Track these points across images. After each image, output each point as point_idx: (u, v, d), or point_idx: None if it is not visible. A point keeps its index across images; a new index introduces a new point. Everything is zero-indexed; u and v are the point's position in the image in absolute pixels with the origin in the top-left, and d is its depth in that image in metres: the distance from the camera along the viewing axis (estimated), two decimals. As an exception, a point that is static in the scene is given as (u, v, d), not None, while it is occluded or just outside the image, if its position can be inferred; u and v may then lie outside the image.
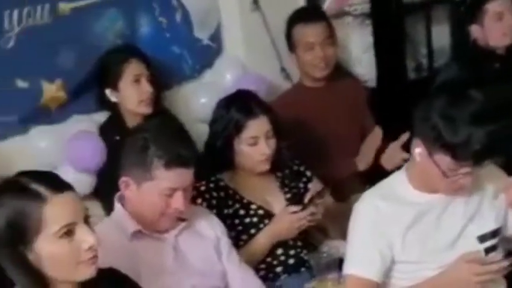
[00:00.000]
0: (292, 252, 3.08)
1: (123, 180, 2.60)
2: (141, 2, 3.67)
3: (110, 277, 2.18)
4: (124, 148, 2.66)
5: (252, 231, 3.05)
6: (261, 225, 3.05)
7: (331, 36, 3.79)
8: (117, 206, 2.66)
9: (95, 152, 3.31)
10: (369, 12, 4.42)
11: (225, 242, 2.79)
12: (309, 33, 3.73)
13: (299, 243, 3.10)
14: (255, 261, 3.00)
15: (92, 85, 3.44)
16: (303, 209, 2.98)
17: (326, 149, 3.69)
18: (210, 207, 3.01)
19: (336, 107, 3.78)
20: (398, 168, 2.75)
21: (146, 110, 3.39)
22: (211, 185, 3.09)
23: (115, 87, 3.39)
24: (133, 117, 3.39)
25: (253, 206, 3.09)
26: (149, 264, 2.53)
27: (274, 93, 3.89)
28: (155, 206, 2.57)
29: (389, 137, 3.54)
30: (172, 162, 2.53)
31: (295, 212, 2.97)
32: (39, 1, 3.29)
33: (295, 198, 3.12)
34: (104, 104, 3.45)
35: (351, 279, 2.55)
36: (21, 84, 3.26)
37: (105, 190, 3.15)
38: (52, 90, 3.33)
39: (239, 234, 3.04)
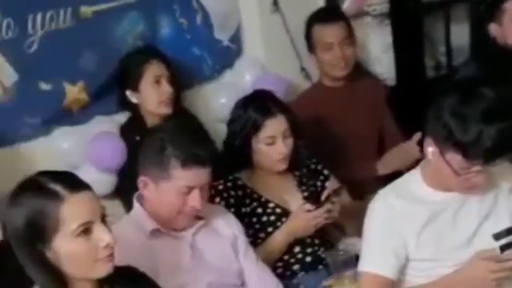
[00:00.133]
0: (309, 250, 3.10)
1: (141, 179, 2.64)
2: (162, 4, 3.70)
3: (128, 275, 2.20)
4: (142, 148, 2.70)
5: (270, 229, 3.07)
6: (279, 224, 3.07)
7: (350, 36, 3.80)
8: (136, 205, 2.69)
9: (116, 152, 3.36)
10: (388, 12, 4.43)
11: (242, 240, 2.81)
12: (328, 33, 3.75)
13: (316, 241, 3.12)
14: (272, 259, 3.02)
15: (113, 87, 3.48)
16: (318, 207, 2.99)
17: (344, 148, 3.70)
18: (228, 206, 3.03)
19: (356, 107, 3.80)
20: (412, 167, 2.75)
21: (166, 110, 3.42)
22: (229, 184, 3.11)
23: (135, 89, 3.43)
24: (153, 118, 3.42)
25: (271, 205, 3.11)
26: (167, 262, 2.56)
27: (294, 93, 3.92)
28: (172, 205, 2.60)
29: (408, 135, 3.55)
30: (189, 161, 2.56)
31: (309, 211, 2.99)
32: (62, 5, 3.33)
33: (313, 197, 3.13)
34: (125, 105, 3.49)
35: (366, 277, 2.55)
36: (44, 86, 3.31)
37: (125, 189, 3.19)
38: (74, 92, 3.38)
39: (257, 232, 3.06)
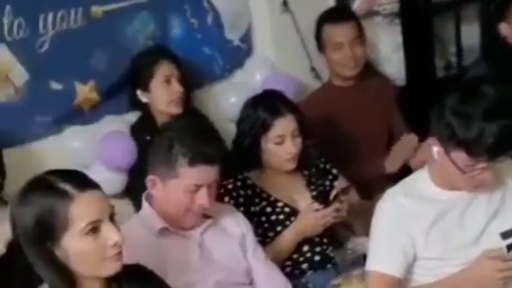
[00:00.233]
0: (318, 249, 3.11)
1: (150, 178, 2.65)
2: (173, 4, 3.72)
3: (136, 273, 2.22)
4: (151, 148, 2.72)
5: (279, 228, 3.08)
6: (287, 223, 3.08)
7: (360, 36, 3.81)
8: (144, 204, 2.71)
9: (126, 151, 3.37)
10: (398, 11, 4.43)
11: (251, 239, 2.82)
12: (338, 33, 3.76)
13: (325, 240, 3.12)
14: (281, 258, 3.03)
15: (124, 86, 3.50)
16: (327, 206, 3.00)
17: (354, 147, 3.71)
18: (237, 205, 3.04)
19: (365, 106, 3.80)
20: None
21: (176, 110, 3.44)
22: (239, 183, 3.12)
23: (146, 88, 3.45)
24: (164, 117, 3.43)
25: (280, 204, 3.12)
26: (175, 260, 2.57)
27: (304, 92, 3.93)
28: (180, 203, 2.61)
29: (419, 135, 3.55)
30: (196, 159, 2.57)
31: (318, 210, 3.00)
32: (72, 5, 3.36)
33: (321, 196, 3.13)
34: (135, 104, 3.52)
35: (373, 275, 2.56)
36: (55, 86, 3.34)
37: (135, 189, 3.19)
38: (85, 92, 3.40)
39: (266, 231, 3.07)
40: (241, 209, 3.02)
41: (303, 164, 3.21)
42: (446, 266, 2.53)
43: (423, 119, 2.62)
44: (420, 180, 2.63)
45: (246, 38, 4.01)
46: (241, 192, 3.11)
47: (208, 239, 2.70)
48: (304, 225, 3.03)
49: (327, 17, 3.83)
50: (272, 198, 3.13)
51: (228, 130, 3.57)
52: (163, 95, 3.44)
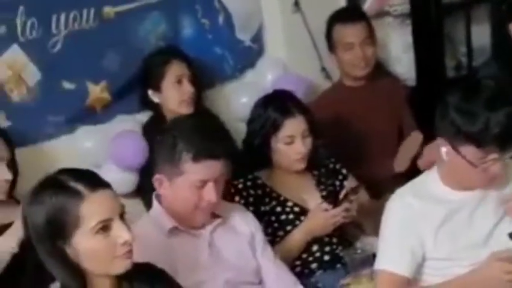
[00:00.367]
0: (327, 248, 3.12)
1: (156, 178, 2.65)
2: (184, 5, 3.73)
3: (147, 271, 2.23)
4: (155, 147, 2.73)
5: (288, 228, 3.09)
6: (297, 222, 3.09)
7: (370, 36, 3.82)
8: (155, 203, 2.71)
9: (137, 150, 3.38)
10: (409, 12, 4.43)
11: (260, 238, 2.82)
12: (349, 33, 3.77)
13: (334, 240, 3.13)
14: (291, 257, 3.04)
15: (136, 86, 3.52)
16: (336, 206, 3.02)
17: (365, 147, 3.72)
18: (247, 204, 3.05)
19: (376, 106, 3.81)
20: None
21: (187, 109, 3.44)
22: (249, 183, 3.14)
23: (157, 88, 3.46)
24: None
25: (289, 204, 3.13)
26: (185, 259, 2.58)
27: (314, 92, 3.94)
28: (188, 200, 2.61)
29: (429, 135, 3.55)
30: (200, 154, 2.56)
31: (327, 210, 3.01)
32: (85, 5, 3.38)
33: (331, 196, 3.15)
34: (147, 104, 3.53)
35: (382, 275, 2.57)
36: (67, 85, 3.36)
37: (147, 188, 3.16)
38: (97, 92, 3.43)
39: (275, 231, 3.08)
40: (251, 208, 3.03)
41: (313, 164, 3.21)
42: (455, 267, 2.53)
43: (433, 119, 2.63)
44: (429, 181, 2.64)
45: (257, 38, 4.01)
46: (251, 191, 3.12)
47: (217, 237, 2.70)
48: (313, 225, 3.05)
49: (338, 17, 3.84)
50: (282, 198, 3.14)
51: (239, 130, 3.58)
52: (174, 95, 3.45)
